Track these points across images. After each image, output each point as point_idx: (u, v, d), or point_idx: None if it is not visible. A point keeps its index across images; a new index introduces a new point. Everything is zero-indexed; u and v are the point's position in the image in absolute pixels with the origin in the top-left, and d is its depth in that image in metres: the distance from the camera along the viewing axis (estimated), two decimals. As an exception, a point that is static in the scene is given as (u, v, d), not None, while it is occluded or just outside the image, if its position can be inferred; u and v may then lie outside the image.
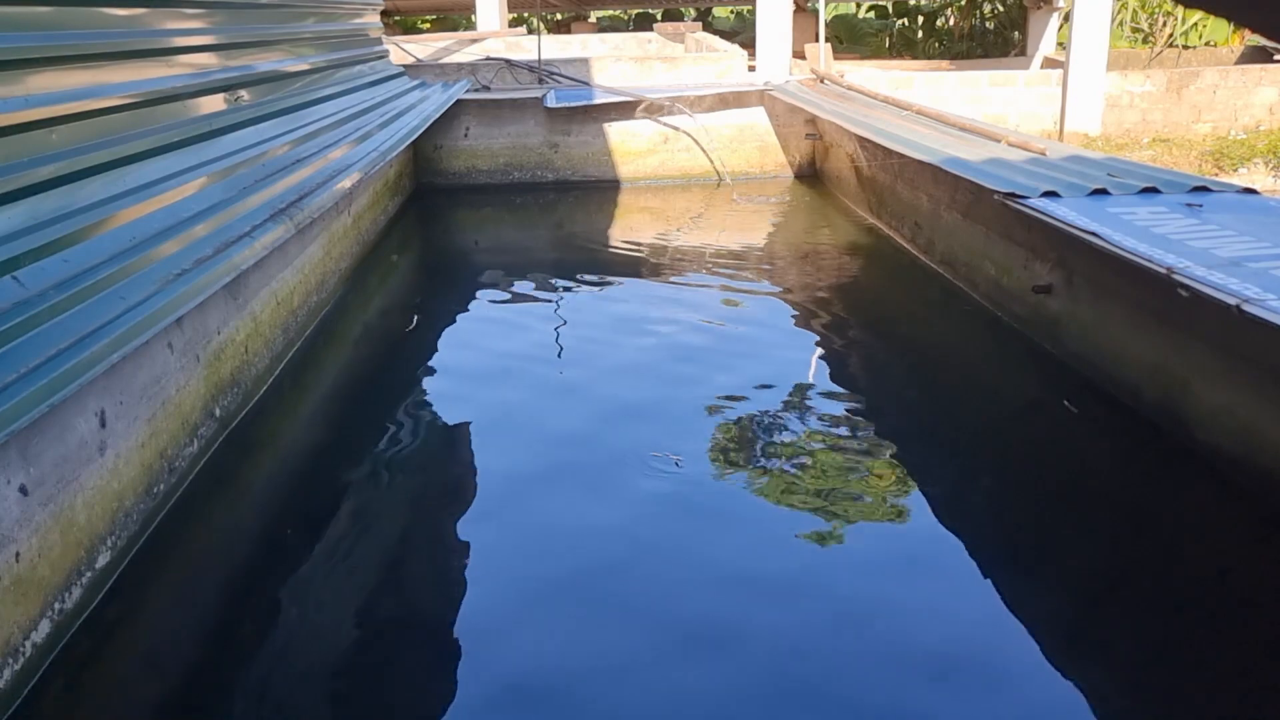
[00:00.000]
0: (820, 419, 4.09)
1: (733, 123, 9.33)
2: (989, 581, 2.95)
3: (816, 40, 10.41)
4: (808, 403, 4.26)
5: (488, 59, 10.08)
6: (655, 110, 9.20)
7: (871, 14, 17.05)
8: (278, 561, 3.18)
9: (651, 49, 12.94)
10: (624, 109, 9.23)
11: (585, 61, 9.78)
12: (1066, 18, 10.16)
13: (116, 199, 3.41)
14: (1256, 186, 6.14)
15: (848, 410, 4.19)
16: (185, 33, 4.46)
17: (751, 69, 9.73)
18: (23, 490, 2.54)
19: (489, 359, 5.05)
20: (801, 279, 6.31)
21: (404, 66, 9.56)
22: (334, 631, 2.81)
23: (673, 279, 6.29)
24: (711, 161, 9.35)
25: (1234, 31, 12.56)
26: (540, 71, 9.73)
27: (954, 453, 3.85)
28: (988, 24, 14.07)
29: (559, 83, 9.60)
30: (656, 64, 9.75)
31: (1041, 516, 3.34)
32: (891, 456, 3.75)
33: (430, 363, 4.98)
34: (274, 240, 4.26)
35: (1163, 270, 3.34)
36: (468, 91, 9.24)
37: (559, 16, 21.01)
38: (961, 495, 3.51)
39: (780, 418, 4.08)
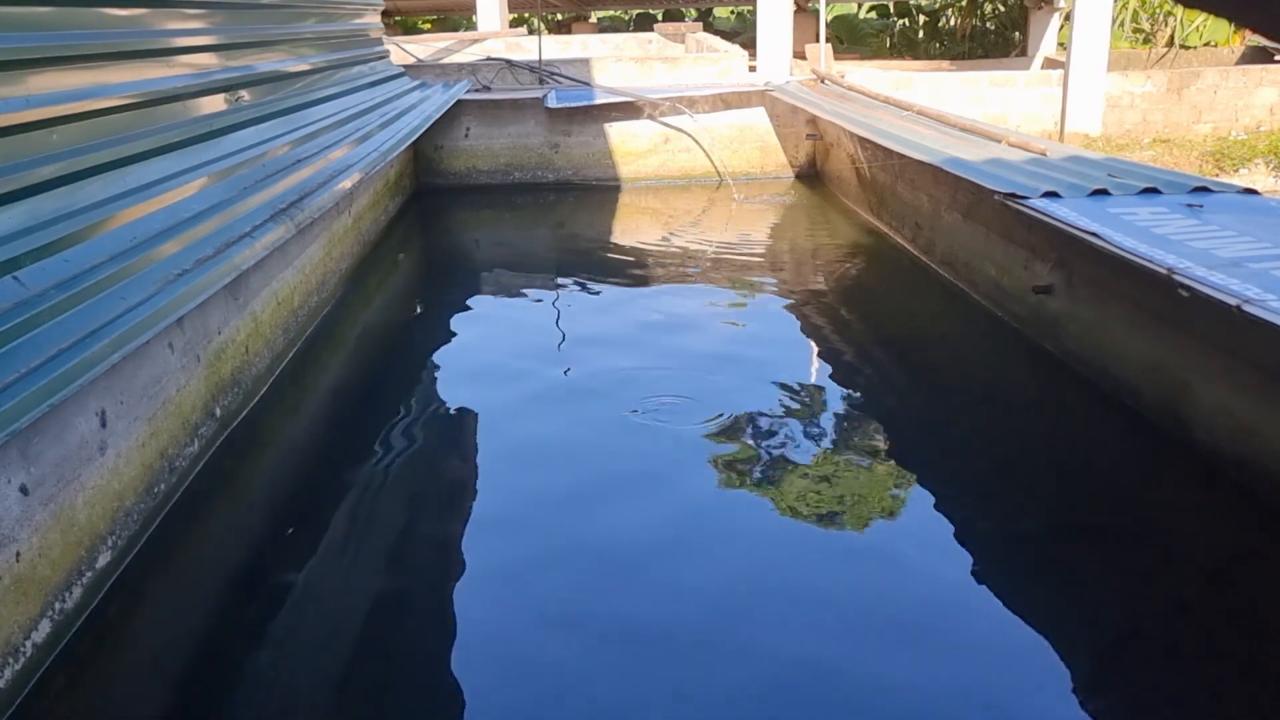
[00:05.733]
0: (819, 419, 4.09)
1: (733, 123, 9.33)
2: (986, 581, 2.95)
3: (817, 40, 10.42)
4: (807, 403, 4.26)
5: (488, 59, 10.09)
6: (656, 110, 9.20)
7: (872, 14, 17.07)
8: (278, 561, 3.18)
9: (652, 49, 12.95)
10: (625, 109, 9.23)
11: (586, 62, 9.79)
12: (1067, 18, 10.16)
13: (117, 199, 3.42)
14: (1257, 187, 6.15)
15: (847, 410, 4.19)
16: (185, 33, 4.47)
17: (752, 69, 9.73)
18: (23, 490, 2.54)
19: (489, 358, 5.05)
20: (802, 279, 6.32)
21: (404, 67, 9.56)
22: (335, 631, 2.81)
23: (673, 279, 6.29)
24: (712, 162, 9.35)
25: (1234, 32, 12.55)
26: (541, 72, 9.73)
27: (954, 453, 3.85)
28: (988, 24, 14.08)
29: (559, 83, 9.61)
30: (657, 64, 9.75)
31: (1040, 516, 3.34)
32: (891, 456, 3.75)
33: (431, 362, 4.98)
34: (274, 240, 4.26)
35: (1163, 270, 3.34)
36: (468, 92, 9.25)
37: (559, 17, 21.03)
38: (960, 495, 3.50)
39: (780, 418, 4.08)
